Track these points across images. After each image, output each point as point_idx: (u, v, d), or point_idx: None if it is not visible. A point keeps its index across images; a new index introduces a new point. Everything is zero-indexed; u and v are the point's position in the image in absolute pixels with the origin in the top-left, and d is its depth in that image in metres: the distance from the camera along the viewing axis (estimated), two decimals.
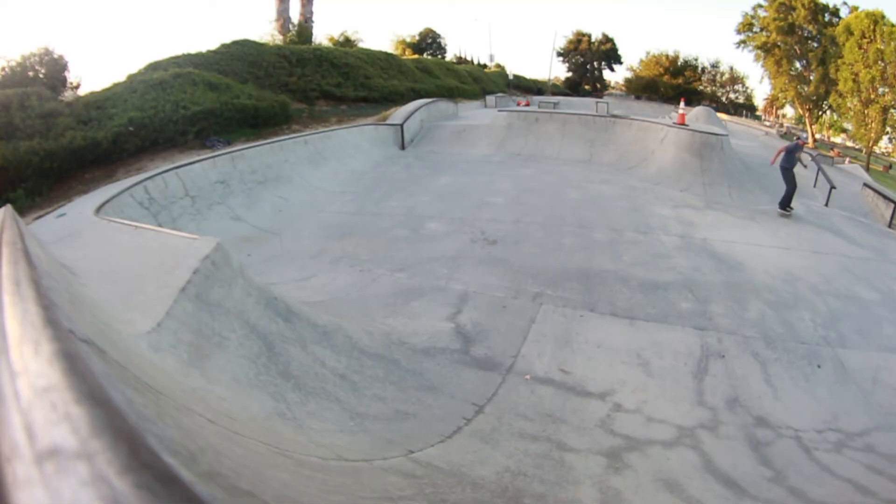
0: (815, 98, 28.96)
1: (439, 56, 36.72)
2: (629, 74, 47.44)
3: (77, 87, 12.19)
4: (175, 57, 12.34)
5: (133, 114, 8.86)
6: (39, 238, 2.22)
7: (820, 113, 31.11)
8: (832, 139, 38.33)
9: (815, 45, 28.62)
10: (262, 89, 12.46)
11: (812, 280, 5.01)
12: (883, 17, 24.33)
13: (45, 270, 1.11)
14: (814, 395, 3.33)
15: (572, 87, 43.55)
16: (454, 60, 35.23)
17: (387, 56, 20.07)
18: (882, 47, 23.94)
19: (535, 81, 38.70)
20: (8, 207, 1.69)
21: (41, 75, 11.38)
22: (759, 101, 45.23)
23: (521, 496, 2.01)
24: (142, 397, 0.83)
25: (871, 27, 24.31)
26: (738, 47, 32.48)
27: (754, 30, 31.23)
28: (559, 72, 47.40)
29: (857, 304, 4.64)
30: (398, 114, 12.31)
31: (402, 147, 11.30)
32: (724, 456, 2.61)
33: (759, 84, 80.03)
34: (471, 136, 11.93)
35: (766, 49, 30.14)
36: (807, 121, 30.75)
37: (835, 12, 28.55)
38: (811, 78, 28.90)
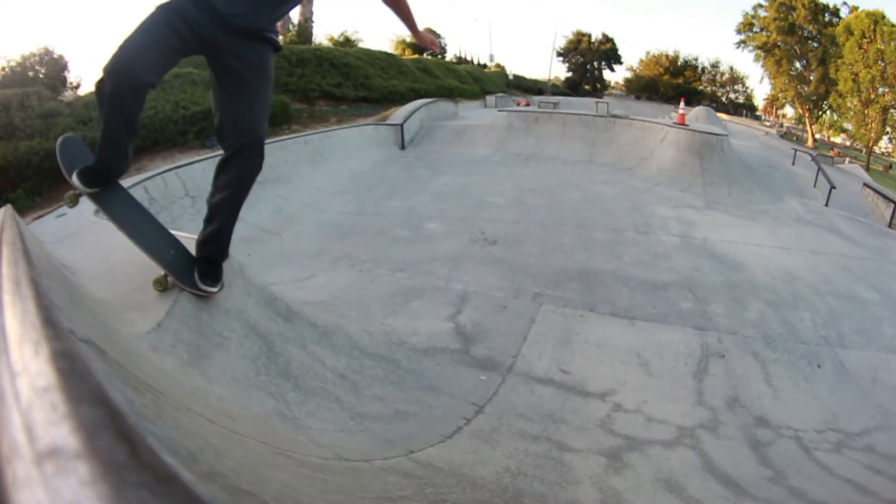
0: (815, 98, 28.95)
1: (439, 56, 36.73)
2: (629, 74, 47.46)
3: (77, 87, 12.21)
4: None
5: None
6: (39, 238, 2.22)
7: (820, 113, 31.12)
8: (832, 139, 38.32)
9: (815, 45, 28.63)
10: None
11: (812, 280, 5.01)
12: (883, 17, 24.34)
13: (45, 270, 1.11)
14: (814, 395, 3.33)
15: (572, 87, 43.56)
16: (454, 60, 35.25)
17: (387, 56, 20.07)
18: (882, 47, 23.94)
19: (535, 81, 38.71)
20: (8, 207, 1.69)
21: (41, 75, 11.39)
22: (759, 101, 45.24)
23: (521, 496, 2.01)
24: (142, 397, 0.83)
25: (872, 27, 24.31)
26: (738, 47, 32.56)
27: (754, 30, 31.26)
28: (559, 72, 47.44)
29: (857, 304, 4.64)
30: (398, 114, 12.31)
31: (402, 147, 11.31)
32: (724, 456, 2.61)
33: (759, 84, 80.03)
34: (471, 136, 11.93)
35: (766, 49, 30.16)
36: (807, 121, 30.74)
37: (835, 12, 28.56)
38: (811, 78, 28.91)
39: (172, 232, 2.32)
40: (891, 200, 8.92)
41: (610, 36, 45.64)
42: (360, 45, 23.02)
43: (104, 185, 2.11)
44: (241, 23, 1.89)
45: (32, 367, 0.47)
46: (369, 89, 16.17)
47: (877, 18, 24.33)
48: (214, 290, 2.17)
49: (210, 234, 2.19)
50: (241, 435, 1.31)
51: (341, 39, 23.64)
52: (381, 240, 5.62)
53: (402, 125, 11.36)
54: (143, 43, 1.78)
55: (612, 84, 49.17)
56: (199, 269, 2.16)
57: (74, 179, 2.02)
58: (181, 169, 6.20)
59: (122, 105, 1.81)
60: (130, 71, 1.74)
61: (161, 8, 1.84)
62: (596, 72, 46.33)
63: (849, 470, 2.62)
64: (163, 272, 2.07)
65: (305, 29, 19.27)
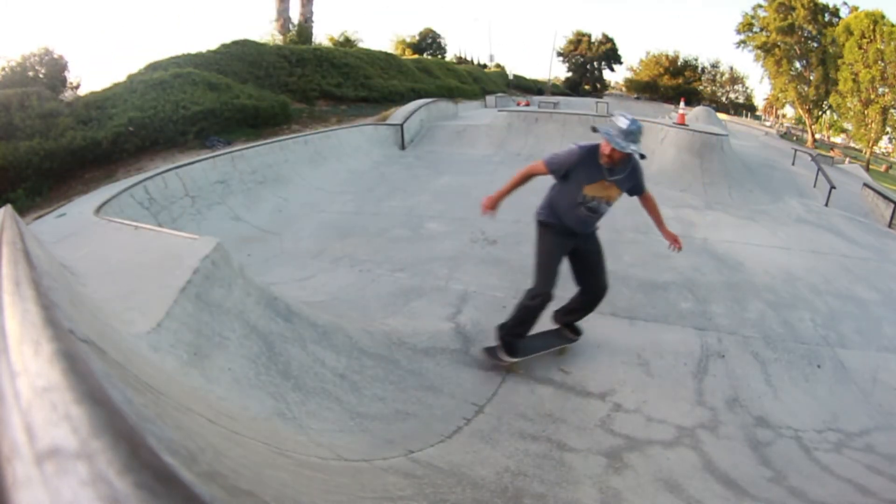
0: (815, 98, 28.94)
1: (439, 56, 36.72)
2: (629, 74, 47.46)
3: (77, 87, 12.20)
4: (175, 57, 12.34)
5: (133, 114, 8.86)
6: (39, 238, 2.22)
7: (820, 113, 31.11)
8: (832, 139, 38.32)
9: (815, 45, 28.61)
10: (262, 89, 12.46)
11: (812, 280, 5.01)
12: (883, 17, 24.33)
13: (45, 270, 1.11)
14: (814, 395, 3.33)
15: (572, 87, 43.53)
16: (454, 60, 35.23)
17: (387, 56, 20.06)
18: (882, 47, 23.94)
19: (535, 81, 38.66)
20: (8, 207, 1.69)
21: (41, 75, 11.38)
22: (759, 102, 45.24)
23: (521, 496, 2.01)
24: (142, 397, 0.83)
25: (871, 27, 24.31)
26: (738, 47, 32.51)
27: (754, 30, 31.24)
28: (559, 72, 47.39)
29: (857, 304, 4.63)
30: (398, 114, 12.31)
31: (402, 147, 11.30)
32: (724, 456, 2.61)
33: (759, 84, 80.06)
34: (471, 136, 11.93)
35: (766, 49, 30.14)
36: (807, 121, 30.74)
37: (835, 12, 28.55)
38: (811, 78, 28.89)
39: (173, 232, 2.33)
40: (891, 200, 8.90)
41: (610, 36, 45.60)
42: (360, 45, 23.02)
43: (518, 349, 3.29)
44: (589, 231, 3.29)
45: (32, 367, 0.47)
46: (369, 89, 16.16)
47: (876, 18, 24.32)
48: (577, 339, 3.53)
49: (574, 318, 3.51)
50: (241, 435, 1.31)
51: (341, 39, 23.64)
52: (381, 240, 5.62)
53: (402, 125, 11.36)
54: (552, 277, 3.14)
55: (612, 84, 49.16)
56: (572, 331, 3.54)
57: (508, 360, 3.23)
58: (181, 169, 6.20)
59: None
60: (551, 294, 3.12)
61: (549, 243, 3.22)
62: (596, 72, 46.30)
63: (849, 470, 2.62)
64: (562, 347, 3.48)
65: (305, 29, 19.26)
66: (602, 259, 3.35)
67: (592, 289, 3.34)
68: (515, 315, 3.18)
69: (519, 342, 3.25)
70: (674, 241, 3.20)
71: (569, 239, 3.20)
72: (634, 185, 3.10)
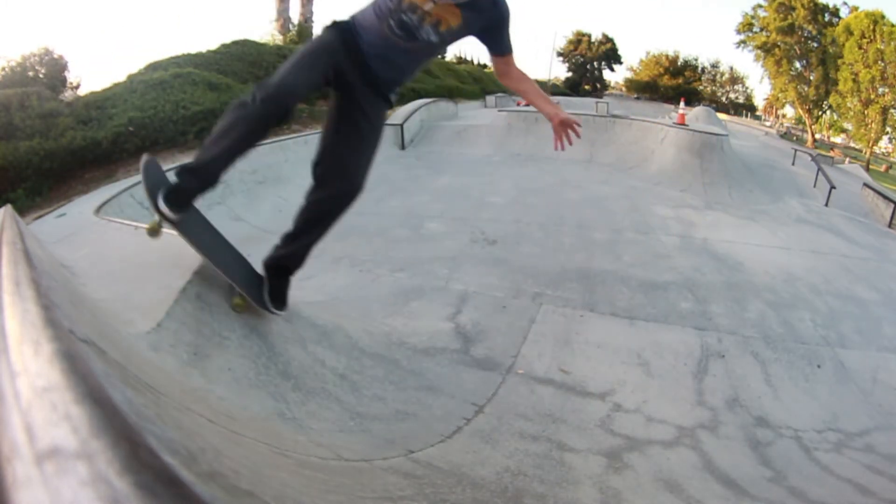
0: (815, 98, 28.96)
1: (439, 56, 36.72)
2: (629, 74, 47.51)
3: (77, 87, 12.21)
4: (175, 57, 12.33)
5: (133, 114, 8.86)
6: (39, 238, 2.22)
7: (820, 113, 31.12)
8: (832, 139, 38.32)
9: (815, 45, 28.64)
10: None
11: (812, 280, 5.01)
12: (883, 17, 24.37)
13: (45, 270, 1.11)
14: (814, 395, 3.33)
15: (572, 87, 43.54)
16: (454, 60, 35.23)
17: None
18: (882, 47, 23.97)
19: (535, 81, 38.65)
20: (8, 207, 1.69)
21: (41, 75, 11.39)
22: (760, 102, 45.27)
23: (521, 496, 2.01)
24: (142, 397, 0.83)
25: (871, 27, 24.34)
26: (738, 47, 32.60)
27: (754, 30, 31.28)
28: (559, 72, 47.40)
29: (857, 304, 4.64)
30: (398, 114, 12.30)
31: (402, 147, 11.30)
32: (724, 456, 2.61)
33: (759, 84, 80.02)
34: (471, 136, 11.93)
35: (766, 49, 30.19)
36: (807, 121, 30.75)
37: (835, 12, 28.59)
38: (811, 78, 28.91)
39: (173, 231, 2.32)
40: (891, 200, 8.91)
41: (610, 36, 45.67)
42: None
43: (191, 201, 2.19)
44: (383, 78, 2.16)
45: (32, 367, 0.47)
46: None
47: (876, 18, 24.35)
48: (282, 312, 2.38)
49: (289, 252, 2.38)
50: (241, 435, 1.31)
51: None
52: (381, 240, 5.61)
53: (402, 125, 11.35)
54: (296, 75, 2.01)
55: (612, 84, 49.20)
56: (269, 289, 2.34)
57: (161, 205, 2.03)
58: None
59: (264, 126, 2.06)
60: (282, 99, 1.97)
61: (317, 40, 2.13)
62: (596, 72, 46.33)
63: (849, 470, 2.62)
64: (240, 295, 2.22)
65: (305, 29, 19.24)
66: (371, 144, 2.33)
67: (332, 177, 2.23)
68: (223, 117, 2.12)
69: (193, 192, 2.18)
70: (563, 127, 2.27)
71: (347, 62, 2.09)
72: (493, 28, 2.18)
